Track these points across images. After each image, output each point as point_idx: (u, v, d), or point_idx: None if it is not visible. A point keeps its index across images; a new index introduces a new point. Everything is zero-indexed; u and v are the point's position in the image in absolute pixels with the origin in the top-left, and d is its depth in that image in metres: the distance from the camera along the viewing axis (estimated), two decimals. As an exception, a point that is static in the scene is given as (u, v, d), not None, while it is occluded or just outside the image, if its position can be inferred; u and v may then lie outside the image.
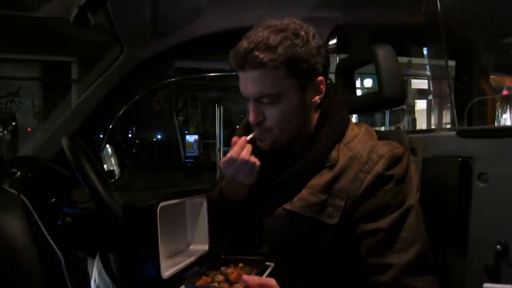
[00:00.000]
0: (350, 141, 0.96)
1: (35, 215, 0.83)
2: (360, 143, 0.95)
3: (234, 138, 0.98)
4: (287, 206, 0.95)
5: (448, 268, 0.98)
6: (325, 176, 0.93)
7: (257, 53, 0.88)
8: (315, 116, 0.98)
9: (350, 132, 0.98)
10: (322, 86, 0.95)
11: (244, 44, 0.90)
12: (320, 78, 0.94)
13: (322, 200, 0.92)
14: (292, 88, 0.92)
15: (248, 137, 0.97)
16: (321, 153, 0.95)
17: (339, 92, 1.10)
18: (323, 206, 0.92)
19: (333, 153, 0.95)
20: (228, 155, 0.96)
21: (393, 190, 0.90)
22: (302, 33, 0.90)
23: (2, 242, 0.78)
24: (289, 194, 0.96)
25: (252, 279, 0.78)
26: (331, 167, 0.94)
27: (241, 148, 0.95)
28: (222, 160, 0.98)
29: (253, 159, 0.95)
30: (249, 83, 0.92)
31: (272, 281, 0.79)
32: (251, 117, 0.95)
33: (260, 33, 0.89)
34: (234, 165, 0.95)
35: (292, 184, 0.96)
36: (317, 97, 0.96)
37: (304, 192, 0.94)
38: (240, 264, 0.91)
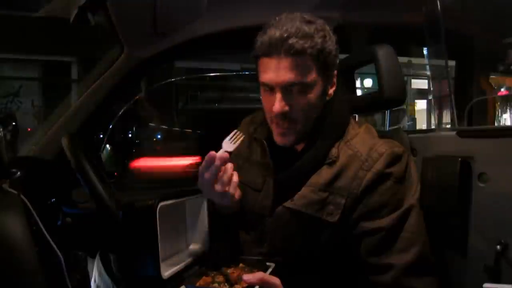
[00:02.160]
0: (350, 139, 0.96)
1: (35, 215, 0.83)
2: (361, 141, 0.95)
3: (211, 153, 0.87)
4: (288, 204, 0.95)
5: (448, 268, 0.98)
6: (325, 174, 0.93)
7: (295, 40, 0.86)
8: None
9: (351, 130, 0.98)
10: (335, 79, 0.97)
11: (276, 32, 0.87)
12: (335, 71, 0.96)
13: (323, 198, 0.92)
14: (320, 78, 0.92)
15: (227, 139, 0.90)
16: (322, 151, 0.95)
17: (341, 91, 1.10)
18: (324, 204, 0.92)
19: (334, 151, 0.95)
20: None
21: (392, 188, 0.90)
22: (327, 27, 0.92)
23: (2, 242, 0.78)
24: (290, 192, 0.95)
25: (253, 276, 0.78)
26: (331, 164, 0.93)
27: (208, 165, 0.86)
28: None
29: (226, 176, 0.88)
30: (282, 70, 0.87)
31: (276, 280, 0.80)
32: (278, 106, 0.89)
33: (291, 23, 0.87)
34: (205, 188, 0.89)
35: (292, 182, 0.96)
36: (331, 90, 0.97)
37: (304, 190, 0.94)
38: (241, 264, 0.91)
